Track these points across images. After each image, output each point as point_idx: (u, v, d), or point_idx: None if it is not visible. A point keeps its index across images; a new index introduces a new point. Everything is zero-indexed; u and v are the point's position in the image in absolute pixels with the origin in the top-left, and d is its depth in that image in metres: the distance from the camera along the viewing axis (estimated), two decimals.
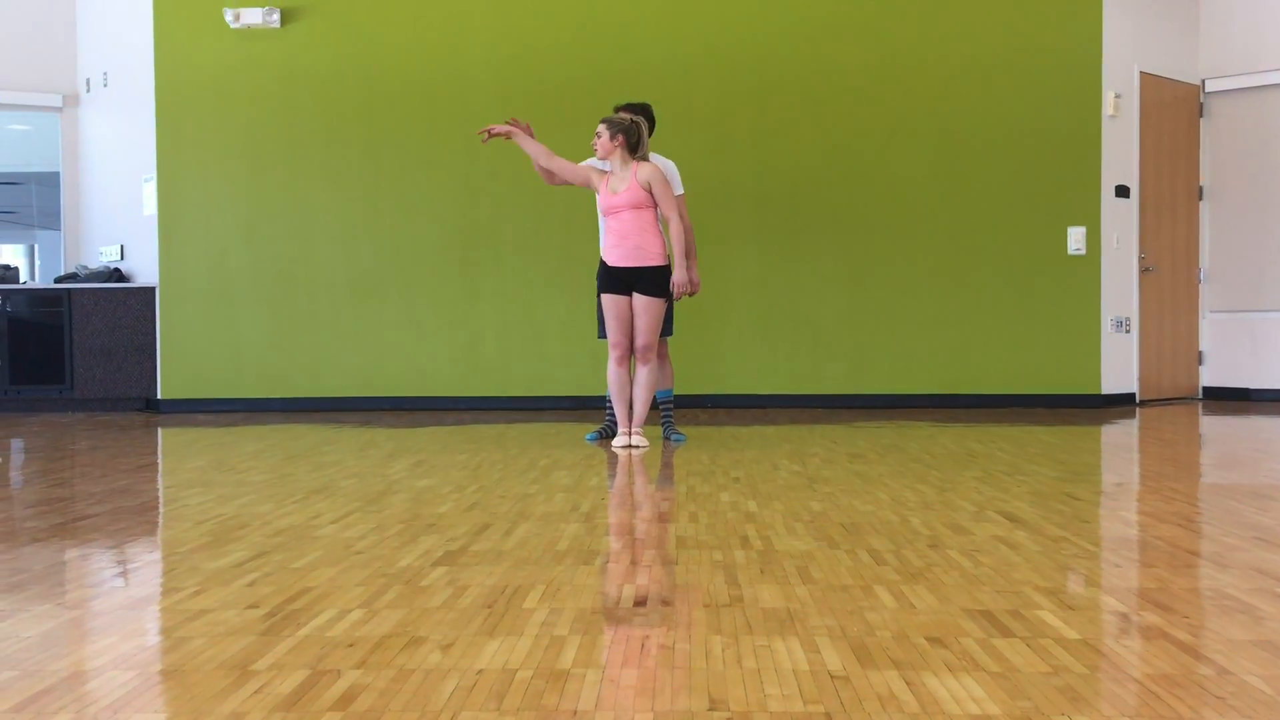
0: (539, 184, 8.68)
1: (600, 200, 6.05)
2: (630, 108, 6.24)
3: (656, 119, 6.42)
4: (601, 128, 6.02)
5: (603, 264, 6.07)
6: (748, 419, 7.84)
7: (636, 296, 6.01)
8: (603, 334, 6.24)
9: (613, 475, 5.19)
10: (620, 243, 5.98)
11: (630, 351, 6.10)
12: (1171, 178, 9.30)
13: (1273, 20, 9.10)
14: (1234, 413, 8.37)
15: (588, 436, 6.53)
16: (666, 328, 6.31)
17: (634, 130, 5.99)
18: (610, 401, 6.37)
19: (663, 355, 6.36)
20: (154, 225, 8.93)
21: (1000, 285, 8.77)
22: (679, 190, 6.18)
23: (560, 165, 6.11)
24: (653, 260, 6.00)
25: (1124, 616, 2.68)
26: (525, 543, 3.53)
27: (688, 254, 6.06)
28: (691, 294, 6.19)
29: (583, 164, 6.18)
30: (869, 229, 8.78)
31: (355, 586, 2.97)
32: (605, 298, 6.04)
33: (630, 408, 6.11)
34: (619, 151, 5.98)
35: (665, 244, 6.07)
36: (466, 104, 8.81)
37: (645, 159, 6.04)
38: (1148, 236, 9.09)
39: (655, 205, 6.00)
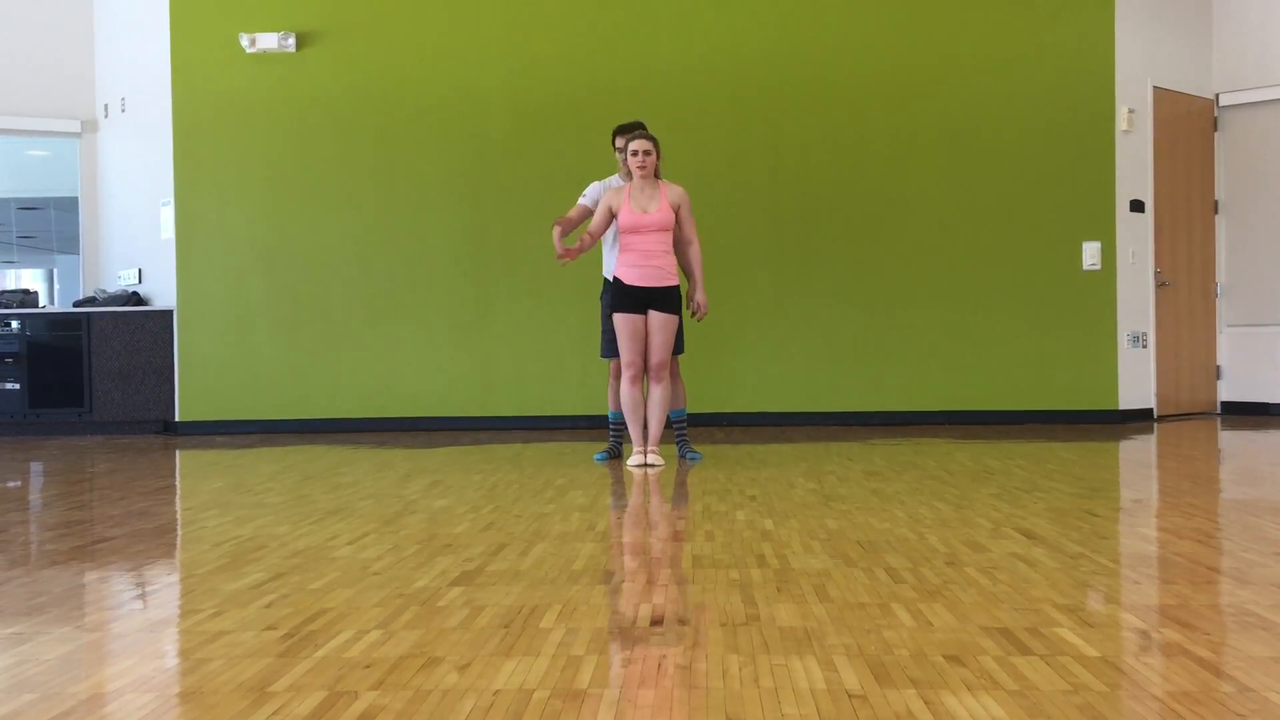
0: (552, 204, 8.74)
1: (624, 219, 5.99)
2: (630, 128, 6.26)
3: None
4: (648, 145, 6.01)
5: (617, 283, 6.06)
6: (764, 437, 7.82)
7: (653, 314, 6.02)
8: (607, 353, 6.29)
9: (628, 494, 5.19)
10: (644, 262, 5.98)
11: (644, 370, 6.10)
12: (1186, 191, 9.28)
13: None
14: (1253, 427, 8.32)
15: (596, 457, 6.53)
16: (678, 346, 6.33)
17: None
18: (613, 421, 6.43)
19: (675, 374, 6.38)
20: (172, 249, 9.00)
21: (1015, 301, 8.75)
22: None
23: (596, 227, 6.09)
24: (670, 280, 6.05)
25: (1144, 633, 2.66)
26: (541, 562, 3.54)
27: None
28: (703, 316, 6.27)
29: (592, 201, 6.17)
30: (883, 246, 8.78)
31: (372, 607, 2.97)
32: (620, 317, 6.03)
33: (645, 427, 6.11)
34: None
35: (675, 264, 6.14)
36: (480, 125, 8.86)
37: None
38: (1163, 251, 9.07)
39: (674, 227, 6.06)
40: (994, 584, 3.15)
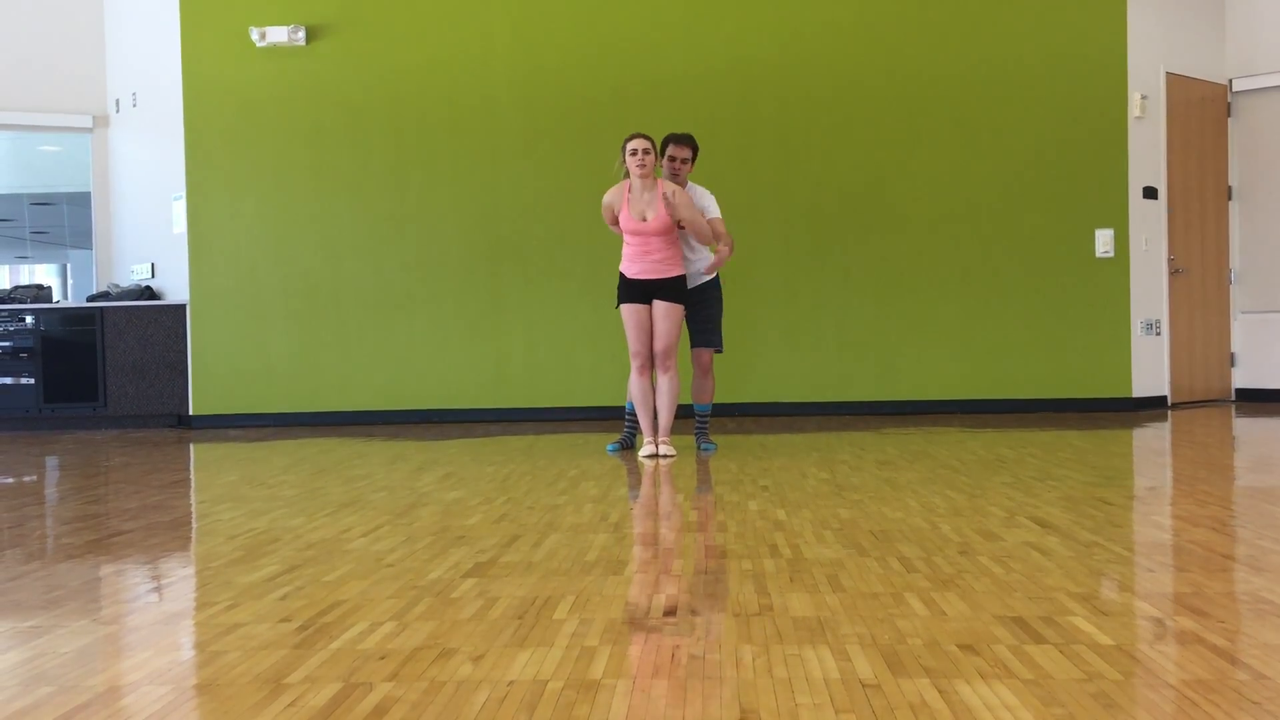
0: (564, 197, 8.76)
1: (624, 223, 6.02)
2: (676, 138, 6.21)
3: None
4: (647, 144, 5.90)
5: (621, 276, 6.11)
6: (775, 427, 7.82)
7: (656, 303, 6.02)
8: None
9: (641, 485, 5.19)
10: (644, 257, 6.01)
11: (651, 360, 6.10)
12: (1200, 178, 9.22)
13: None
14: (1268, 414, 8.28)
15: (609, 447, 6.54)
16: (715, 342, 6.33)
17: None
18: (629, 411, 6.44)
19: (707, 370, 6.38)
20: (184, 243, 9.02)
21: (1028, 289, 8.72)
22: (716, 213, 6.18)
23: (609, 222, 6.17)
24: (673, 271, 6.04)
25: (1158, 621, 2.66)
26: (554, 554, 3.54)
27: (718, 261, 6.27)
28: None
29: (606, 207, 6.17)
30: (895, 235, 8.75)
31: (386, 599, 2.98)
32: (625, 307, 6.06)
33: (655, 417, 6.12)
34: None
35: (683, 255, 6.13)
36: (491, 118, 8.86)
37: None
38: (1176, 238, 9.02)
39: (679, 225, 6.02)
40: (1008, 573, 3.15)
